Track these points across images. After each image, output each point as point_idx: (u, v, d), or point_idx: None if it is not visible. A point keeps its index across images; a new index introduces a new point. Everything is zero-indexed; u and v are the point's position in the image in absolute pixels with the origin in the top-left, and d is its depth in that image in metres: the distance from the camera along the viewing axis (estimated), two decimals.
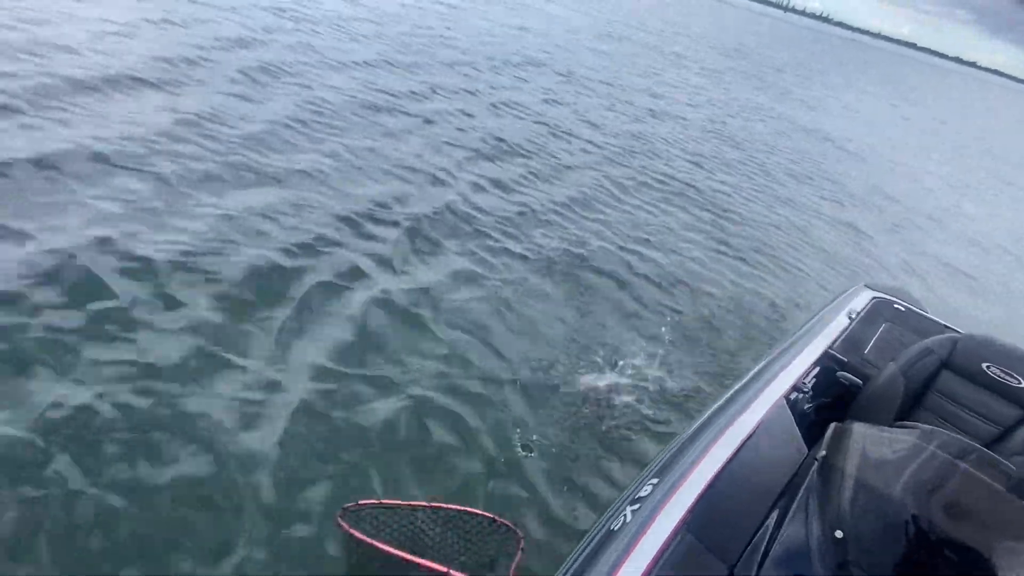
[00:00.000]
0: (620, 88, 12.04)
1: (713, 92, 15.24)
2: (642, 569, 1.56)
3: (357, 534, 1.78)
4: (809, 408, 2.44)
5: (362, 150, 5.52)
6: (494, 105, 8.33)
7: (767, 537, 1.68)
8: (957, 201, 12.06)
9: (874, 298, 3.26)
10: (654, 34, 24.42)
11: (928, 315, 3.25)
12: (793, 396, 2.34)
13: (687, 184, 7.49)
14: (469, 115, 7.50)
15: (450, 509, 2.07)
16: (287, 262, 3.49)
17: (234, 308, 2.98)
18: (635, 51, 18.26)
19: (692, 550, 1.65)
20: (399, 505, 2.00)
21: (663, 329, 4.05)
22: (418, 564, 1.74)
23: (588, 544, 1.77)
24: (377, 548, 1.76)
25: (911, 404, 2.36)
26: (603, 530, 1.80)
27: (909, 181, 12.43)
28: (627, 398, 3.28)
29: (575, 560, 1.72)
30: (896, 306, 3.21)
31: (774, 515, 1.75)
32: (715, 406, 2.29)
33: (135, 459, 2.06)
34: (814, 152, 11.96)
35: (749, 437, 2.02)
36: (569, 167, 6.85)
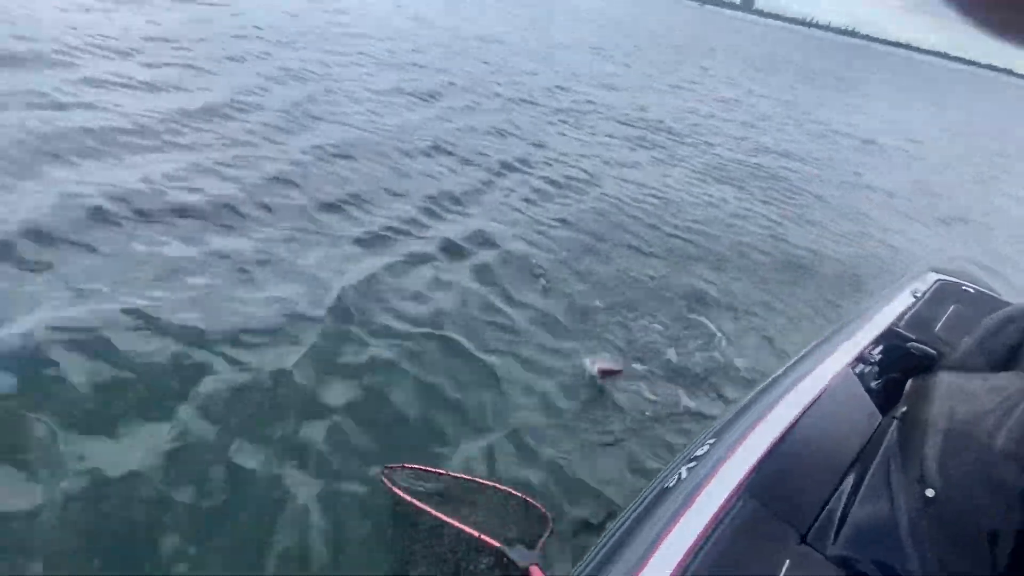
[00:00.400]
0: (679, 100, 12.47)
1: (750, 103, 15.37)
2: (699, 528, 1.44)
3: (397, 491, 1.87)
4: (876, 381, 2.27)
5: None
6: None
7: (842, 503, 1.53)
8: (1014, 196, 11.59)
9: (939, 280, 3.07)
10: (680, 52, 24.52)
11: (1001, 298, 3.01)
12: (859, 368, 2.19)
13: (750, 174, 8.05)
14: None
15: (485, 483, 2.10)
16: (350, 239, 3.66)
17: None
18: (670, 63, 18.42)
19: (756, 514, 1.50)
20: (438, 472, 2.06)
21: (717, 311, 4.06)
22: (451, 524, 1.77)
23: (641, 502, 1.65)
24: (414, 505, 1.82)
25: None
26: (656, 488, 1.67)
27: (964, 178, 12.31)
28: (676, 382, 3.17)
29: (627, 517, 1.59)
30: (965, 288, 3.00)
31: (848, 481, 1.62)
32: (774, 375, 2.14)
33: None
34: (866, 151, 12.23)
35: (813, 403, 1.86)
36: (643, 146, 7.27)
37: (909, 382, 1.74)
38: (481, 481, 2.09)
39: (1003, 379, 1.64)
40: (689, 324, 3.83)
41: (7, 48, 5.51)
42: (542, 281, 3.93)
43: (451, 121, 7.13)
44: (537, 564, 1.65)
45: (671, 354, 3.43)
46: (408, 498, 1.82)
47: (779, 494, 1.55)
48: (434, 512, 1.78)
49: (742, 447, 1.69)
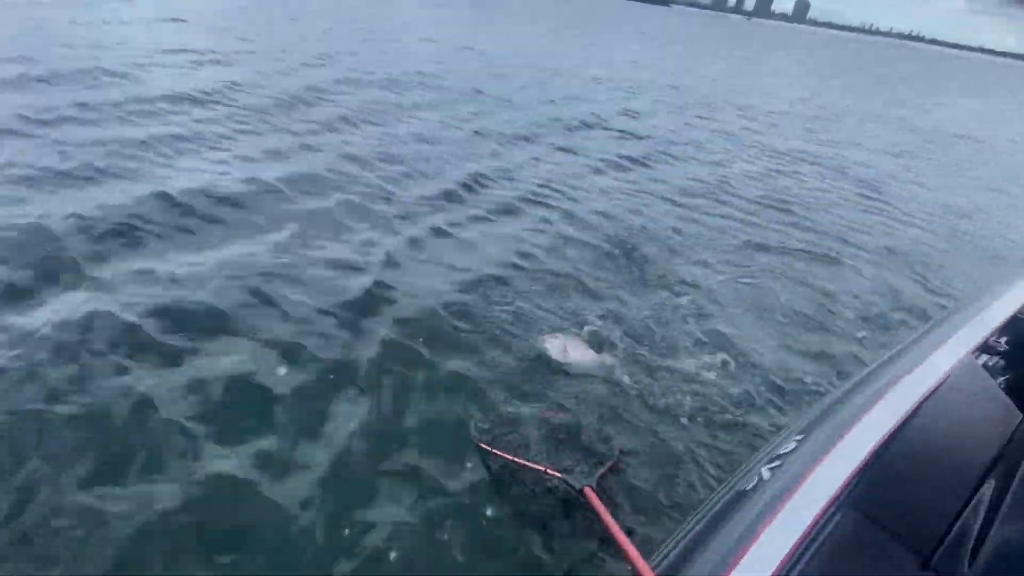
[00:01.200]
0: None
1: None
2: (788, 544, 1.14)
3: (484, 445, 2.15)
4: (1007, 374, 1.86)
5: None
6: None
7: (979, 520, 1.19)
8: None
9: None
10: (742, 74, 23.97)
11: None
12: (983, 358, 1.82)
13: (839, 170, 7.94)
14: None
15: (556, 417, 2.36)
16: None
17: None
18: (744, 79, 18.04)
19: (861, 530, 1.19)
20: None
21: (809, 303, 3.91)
22: (524, 465, 2.03)
23: (713, 505, 1.35)
24: (498, 455, 2.10)
25: None
26: (732, 491, 1.37)
27: None
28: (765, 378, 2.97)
29: (697, 521, 1.30)
30: None
31: (985, 491, 1.26)
32: (875, 364, 1.79)
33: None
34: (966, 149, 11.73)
35: (930, 396, 1.51)
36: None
37: None
38: (554, 419, 2.34)
39: None
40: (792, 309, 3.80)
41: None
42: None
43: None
44: (591, 487, 1.79)
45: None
46: (492, 450, 2.10)
47: (891, 506, 1.22)
48: (510, 457, 2.06)
49: (839, 447, 1.36)
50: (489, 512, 1.92)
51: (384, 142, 5.78)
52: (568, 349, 2.62)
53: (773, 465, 1.35)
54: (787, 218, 5.66)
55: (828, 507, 1.20)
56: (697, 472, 2.25)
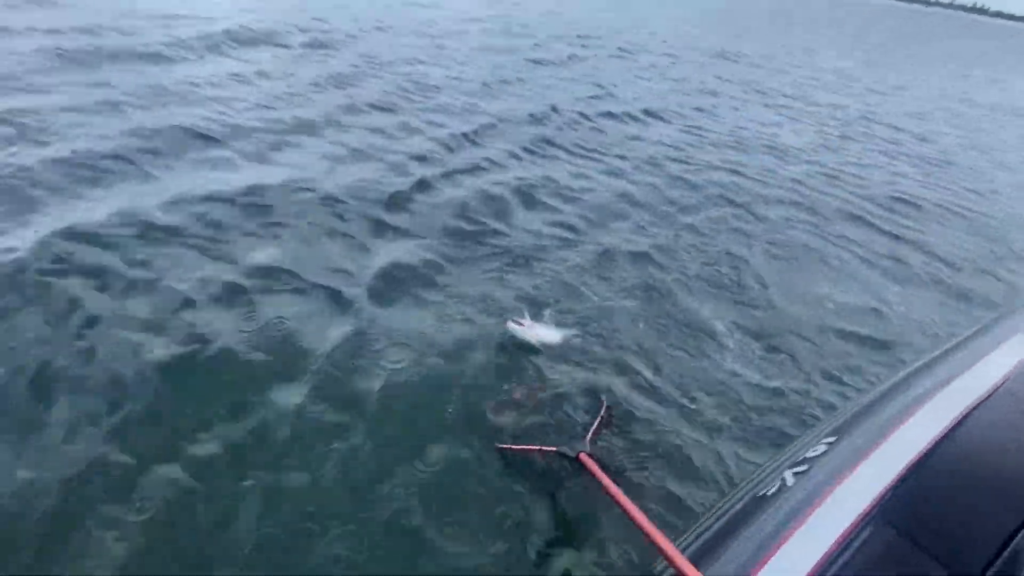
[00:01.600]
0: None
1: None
2: (813, 558, 1.03)
3: (505, 447, 2.16)
4: None
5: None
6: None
7: None
8: None
9: None
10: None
11: None
12: None
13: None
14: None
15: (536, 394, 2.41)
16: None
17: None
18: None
19: (898, 550, 1.08)
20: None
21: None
22: (521, 450, 2.10)
23: (727, 510, 1.25)
24: (514, 450, 2.14)
25: None
26: (748, 495, 1.26)
27: None
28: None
29: (711, 524, 1.20)
30: None
31: None
32: (917, 364, 1.63)
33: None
34: None
35: (981, 403, 1.36)
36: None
37: None
38: (536, 397, 2.37)
39: None
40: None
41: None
42: None
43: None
44: (585, 452, 1.88)
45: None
46: (509, 447, 2.13)
47: (931, 524, 1.10)
48: (504, 446, 2.10)
49: (875, 455, 1.23)
50: (492, 501, 1.92)
51: None
52: (538, 331, 2.57)
53: (799, 470, 1.23)
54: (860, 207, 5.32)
55: (860, 520, 1.09)
56: (683, 423, 2.32)
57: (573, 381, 2.47)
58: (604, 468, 1.76)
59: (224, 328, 2.38)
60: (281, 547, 1.65)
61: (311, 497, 1.80)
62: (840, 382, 2.74)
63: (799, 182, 5.64)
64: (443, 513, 1.83)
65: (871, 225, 4.88)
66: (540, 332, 2.53)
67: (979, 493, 1.17)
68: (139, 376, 2.08)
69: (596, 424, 2.16)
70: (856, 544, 1.07)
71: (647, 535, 1.28)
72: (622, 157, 5.47)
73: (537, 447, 2.05)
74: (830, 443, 1.29)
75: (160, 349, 2.20)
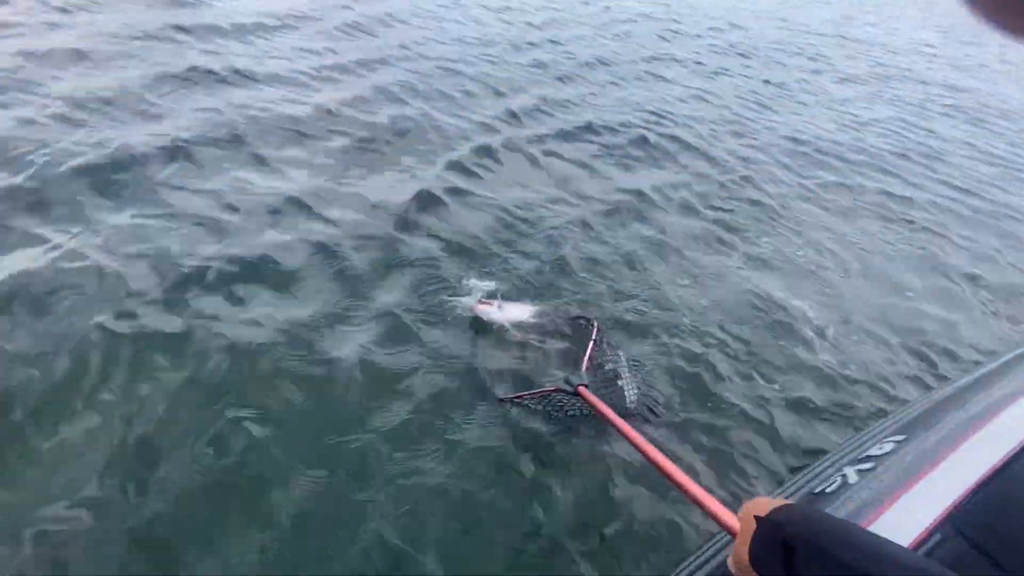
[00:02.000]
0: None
1: None
2: None
3: (504, 395, 2.13)
4: None
5: None
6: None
7: None
8: None
9: None
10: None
11: None
12: None
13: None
14: None
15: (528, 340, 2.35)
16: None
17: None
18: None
19: (972, 566, 0.97)
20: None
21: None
22: (523, 396, 2.07)
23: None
24: (515, 399, 2.10)
25: None
26: (804, 488, 1.17)
27: None
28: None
29: None
30: None
31: None
32: (1002, 360, 1.48)
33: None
34: None
35: None
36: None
37: None
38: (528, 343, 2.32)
39: None
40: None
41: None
42: None
43: None
44: (583, 384, 1.88)
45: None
46: (514, 395, 2.10)
47: (1011, 542, 1.00)
48: (525, 394, 2.07)
49: (949, 459, 1.12)
50: (501, 454, 1.90)
51: None
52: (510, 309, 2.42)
53: (862, 468, 1.13)
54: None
55: (932, 529, 0.99)
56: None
57: (564, 314, 2.45)
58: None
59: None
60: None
61: (322, 461, 1.76)
62: (909, 377, 2.58)
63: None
64: (456, 477, 1.79)
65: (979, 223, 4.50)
66: (511, 311, 2.34)
67: None
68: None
69: (590, 349, 2.11)
70: (923, 552, 0.97)
71: (656, 464, 1.27)
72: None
73: (538, 391, 2.03)
74: (898, 442, 1.18)
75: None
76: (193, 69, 4.12)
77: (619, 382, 2.16)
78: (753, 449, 2.06)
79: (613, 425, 1.59)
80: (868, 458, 1.17)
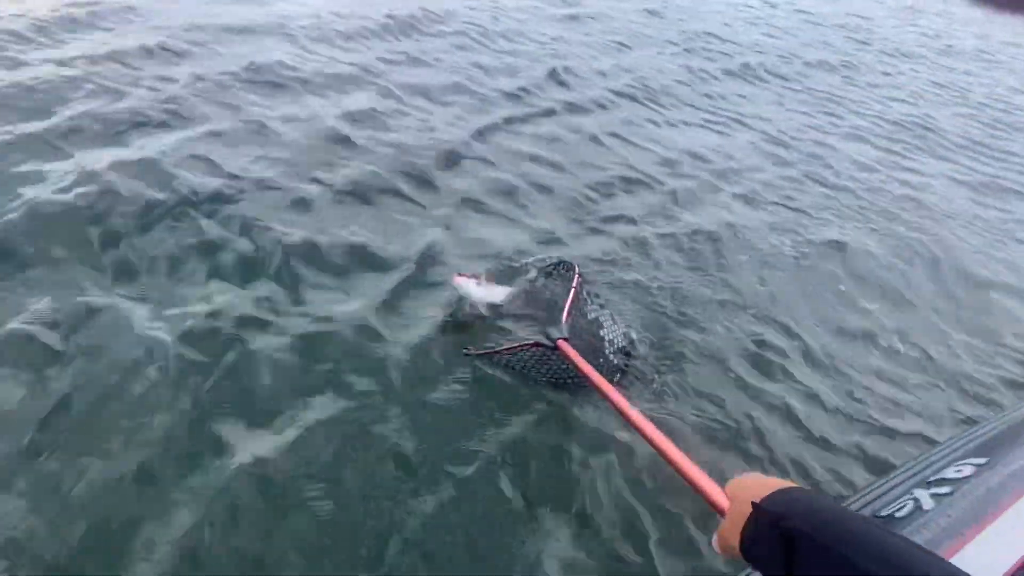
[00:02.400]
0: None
1: None
2: None
3: (474, 351, 1.94)
4: None
5: None
6: None
7: None
8: None
9: None
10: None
11: None
12: None
13: None
14: None
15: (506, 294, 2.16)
16: None
17: None
18: None
19: None
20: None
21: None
22: (503, 351, 1.89)
23: None
24: (479, 354, 1.93)
25: None
26: (867, 509, 1.06)
27: None
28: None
29: None
30: None
31: None
32: None
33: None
34: None
35: None
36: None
37: None
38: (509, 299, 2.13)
39: None
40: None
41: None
42: None
43: None
44: (563, 338, 1.74)
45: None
46: (484, 351, 1.93)
47: None
48: (487, 351, 1.90)
49: None
50: (468, 417, 1.77)
51: None
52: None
53: (938, 491, 1.02)
54: None
55: (1018, 567, 0.88)
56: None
57: (541, 264, 2.31)
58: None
59: None
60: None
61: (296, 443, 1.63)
62: (983, 396, 2.33)
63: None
64: (417, 438, 1.66)
65: None
66: (490, 292, 2.10)
67: None
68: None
69: (571, 298, 1.91)
70: None
71: (637, 428, 1.18)
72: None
73: (512, 345, 1.83)
74: (979, 465, 1.06)
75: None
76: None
77: (601, 332, 2.00)
78: (790, 450, 1.88)
79: (594, 385, 1.43)
80: (943, 481, 1.05)
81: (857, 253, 3.13)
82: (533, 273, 2.28)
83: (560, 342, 1.69)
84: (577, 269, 2.05)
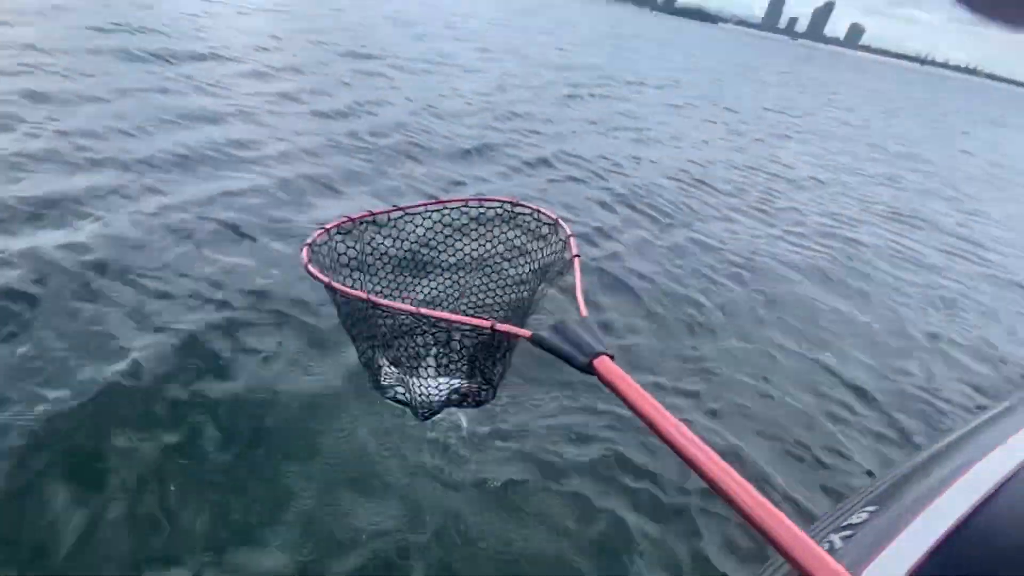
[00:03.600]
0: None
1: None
2: None
3: (323, 279, 1.06)
4: None
5: None
6: None
7: None
8: None
9: None
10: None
11: None
12: None
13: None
14: None
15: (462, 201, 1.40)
16: None
17: None
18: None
19: None
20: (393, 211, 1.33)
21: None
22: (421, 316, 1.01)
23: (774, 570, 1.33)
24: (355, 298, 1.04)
25: None
26: None
27: None
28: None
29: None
30: None
31: None
32: (955, 435, 1.72)
33: None
34: None
35: (1013, 476, 1.44)
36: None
37: None
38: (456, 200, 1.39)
39: None
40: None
41: None
42: None
43: None
44: (607, 353, 0.91)
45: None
46: (343, 288, 1.06)
47: None
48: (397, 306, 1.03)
49: (913, 526, 1.32)
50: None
51: None
52: None
53: (845, 535, 1.32)
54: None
55: None
56: None
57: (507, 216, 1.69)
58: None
59: None
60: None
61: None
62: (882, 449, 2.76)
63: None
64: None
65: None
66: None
67: (1005, 560, 1.24)
68: None
69: (578, 278, 1.14)
70: None
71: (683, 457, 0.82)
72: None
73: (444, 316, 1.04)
74: (872, 512, 1.38)
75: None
76: None
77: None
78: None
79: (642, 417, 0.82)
80: (850, 525, 1.35)
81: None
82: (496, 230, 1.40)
83: (599, 361, 0.89)
84: (568, 230, 1.27)
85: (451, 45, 12.98)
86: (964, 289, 5.19)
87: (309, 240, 1.15)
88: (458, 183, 4.87)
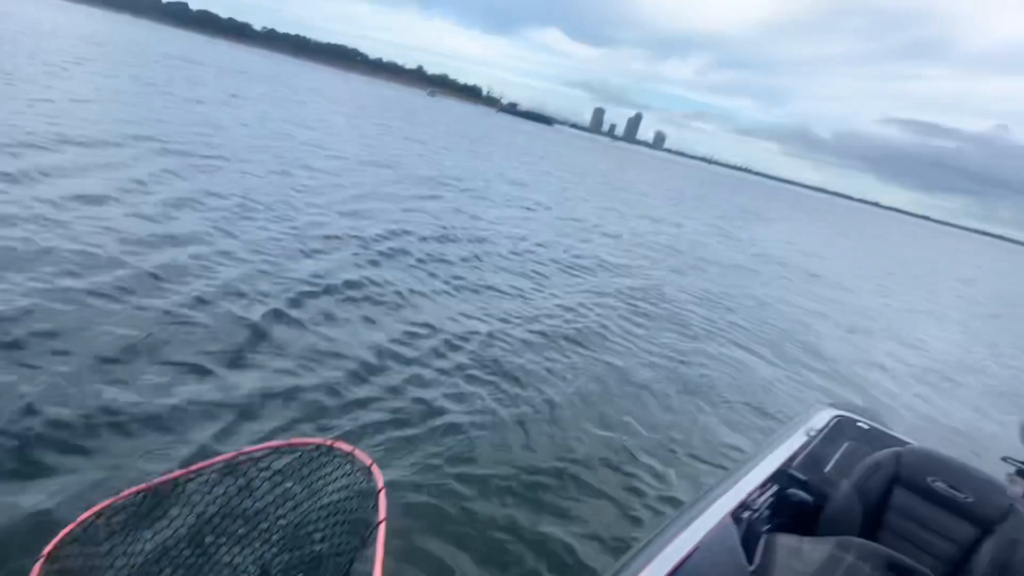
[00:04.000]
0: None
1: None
2: None
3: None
4: (762, 527, 2.23)
5: None
6: None
7: None
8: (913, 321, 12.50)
9: (836, 416, 3.03)
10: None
11: (892, 432, 3.01)
12: (744, 514, 2.15)
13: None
14: None
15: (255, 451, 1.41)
16: None
17: None
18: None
19: None
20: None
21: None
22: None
23: None
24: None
25: (872, 524, 2.19)
26: None
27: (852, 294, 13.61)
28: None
29: None
30: (859, 424, 2.98)
31: None
32: (660, 527, 2.16)
33: None
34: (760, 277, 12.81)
35: (688, 556, 1.94)
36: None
37: (762, 539, 1.87)
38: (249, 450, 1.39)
39: (820, 545, 1.80)
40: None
41: None
42: None
43: None
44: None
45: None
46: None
47: None
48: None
49: None
50: None
51: None
52: None
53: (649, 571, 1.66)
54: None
55: None
56: None
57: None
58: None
59: None
60: None
61: None
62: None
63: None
64: None
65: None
66: None
67: None
68: None
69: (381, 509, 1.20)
70: None
71: None
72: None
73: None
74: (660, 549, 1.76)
75: None
76: None
77: None
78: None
79: None
80: (649, 559, 1.69)
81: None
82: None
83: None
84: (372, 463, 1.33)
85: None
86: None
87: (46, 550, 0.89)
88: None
